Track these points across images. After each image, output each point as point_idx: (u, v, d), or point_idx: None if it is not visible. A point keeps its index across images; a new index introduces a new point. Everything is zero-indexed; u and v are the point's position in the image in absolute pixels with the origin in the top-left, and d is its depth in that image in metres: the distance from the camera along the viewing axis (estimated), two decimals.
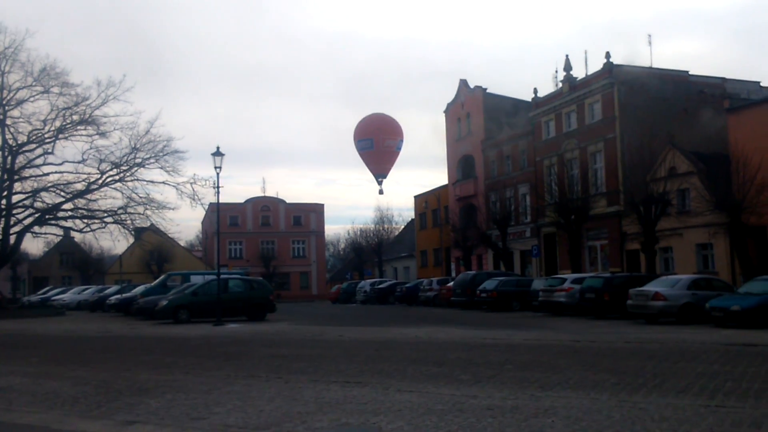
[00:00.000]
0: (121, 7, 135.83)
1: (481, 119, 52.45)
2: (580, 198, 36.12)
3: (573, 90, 41.67)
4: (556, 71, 44.68)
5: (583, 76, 41.58)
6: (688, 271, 30.11)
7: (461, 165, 55.51)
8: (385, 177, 55.16)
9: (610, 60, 38.80)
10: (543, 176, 43.27)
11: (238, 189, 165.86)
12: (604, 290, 25.43)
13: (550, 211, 37.74)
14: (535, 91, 46.11)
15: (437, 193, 60.26)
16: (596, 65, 42.35)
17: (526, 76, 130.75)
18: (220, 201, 30.16)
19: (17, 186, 39.90)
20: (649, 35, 44.56)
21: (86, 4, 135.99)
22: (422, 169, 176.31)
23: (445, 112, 58.31)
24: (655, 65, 40.49)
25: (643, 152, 32.55)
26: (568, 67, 42.40)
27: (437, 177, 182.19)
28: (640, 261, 34.00)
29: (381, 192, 56.66)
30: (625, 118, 37.37)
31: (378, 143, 52.89)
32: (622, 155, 37.16)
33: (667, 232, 31.99)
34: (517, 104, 50.53)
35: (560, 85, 43.44)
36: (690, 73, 40.23)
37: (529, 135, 46.20)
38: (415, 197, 66.90)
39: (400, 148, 54.74)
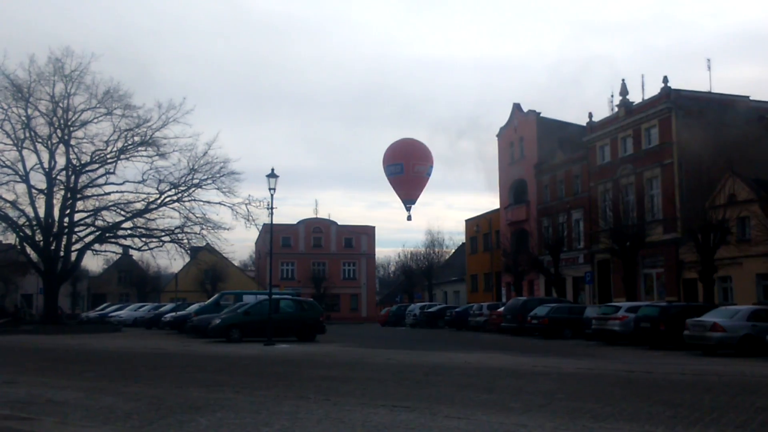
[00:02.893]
0: (181, 33, 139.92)
1: (535, 143, 52.09)
2: (636, 224, 35.42)
3: (629, 114, 41.07)
4: (612, 95, 44.25)
5: (640, 100, 40.98)
6: (747, 302, 29.13)
7: (513, 189, 55.10)
8: (413, 203, 54.83)
9: (668, 84, 38.18)
10: (597, 202, 42.61)
11: (291, 210, 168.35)
12: (660, 319, 24.78)
13: (604, 238, 37.08)
14: (590, 115, 45.64)
15: (488, 218, 59.89)
16: (653, 90, 41.78)
17: (581, 100, 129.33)
18: (274, 222, 30.58)
19: (79, 204, 41.24)
20: (708, 60, 43.58)
21: (147, 30, 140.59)
22: (473, 194, 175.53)
23: (497, 136, 58.12)
24: (715, 90, 39.71)
25: (701, 178, 31.84)
26: (624, 91, 41.85)
27: (489, 201, 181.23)
28: (697, 290, 33.08)
29: (409, 218, 56.13)
30: (683, 143, 36.60)
31: (408, 168, 52.68)
32: (679, 181, 36.38)
33: (726, 260, 31.08)
34: (571, 129, 50.03)
35: (616, 109, 42.88)
36: (751, 98, 39.26)
37: (584, 160, 45.63)
38: (466, 221, 66.63)
39: (429, 174, 54.37)
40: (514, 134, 55.43)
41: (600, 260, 42.45)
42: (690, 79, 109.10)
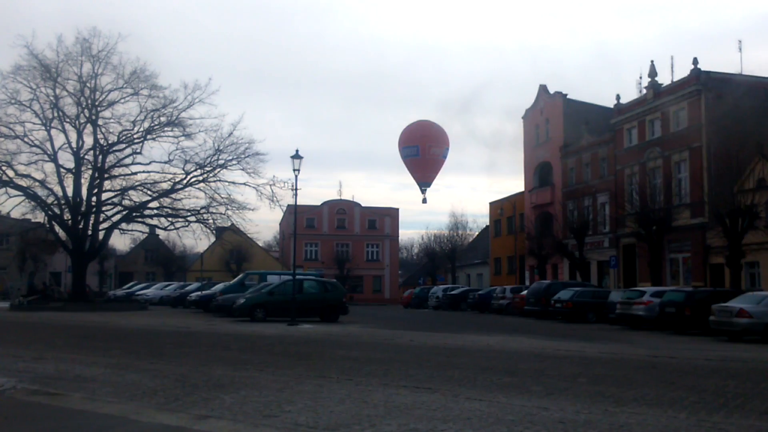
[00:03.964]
0: (205, 14, 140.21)
1: (561, 126, 51.58)
2: (663, 208, 35.00)
3: (657, 97, 40.46)
4: (640, 77, 43.63)
5: (669, 82, 40.33)
6: None
7: (538, 172, 54.72)
8: (429, 185, 54.68)
9: (698, 66, 37.50)
10: (624, 185, 42.17)
11: (315, 191, 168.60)
12: (685, 305, 24.56)
13: (631, 222, 36.70)
14: (618, 97, 45.05)
15: (513, 200, 59.58)
16: (683, 72, 41.12)
17: (608, 82, 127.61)
18: (298, 203, 30.70)
19: (107, 184, 41.68)
20: (740, 41, 42.69)
21: (173, 10, 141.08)
22: (497, 176, 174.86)
23: (523, 118, 57.63)
24: (746, 72, 38.95)
25: (730, 162, 31.32)
26: (653, 73, 41.19)
27: (513, 184, 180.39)
28: (724, 276, 32.68)
29: (424, 201, 55.83)
30: (712, 126, 36.01)
31: (424, 151, 52.41)
32: (708, 165, 35.84)
33: (754, 246, 30.64)
34: (598, 111, 49.44)
35: (644, 91, 42.25)
36: None
37: (610, 142, 45.13)
38: (490, 204, 66.34)
39: (445, 157, 54.08)
40: (539, 116, 54.93)
41: (625, 244, 42.08)
42: (720, 61, 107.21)
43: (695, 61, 37.58)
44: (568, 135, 50.65)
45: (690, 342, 20.83)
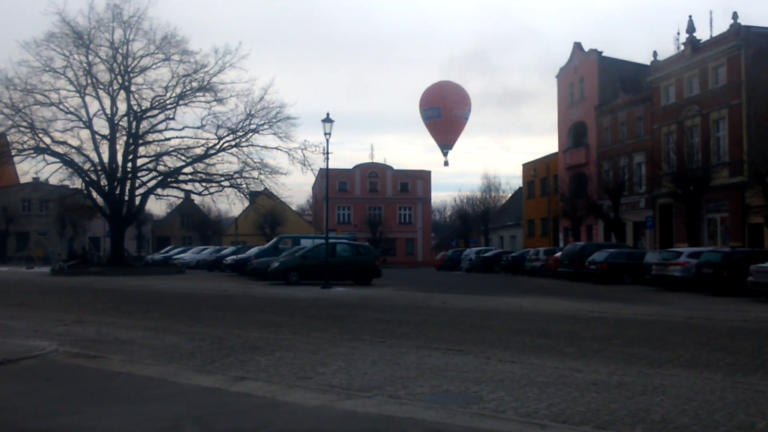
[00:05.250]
0: None
1: (596, 84, 50.51)
2: (700, 168, 34.28)
3: (696, 53, 39.32)
4: (678, 33, 42.56)
5: (708, 38, 39.16)
6: None
7: (572, 132, 53.85)
8: (450, 148, 54.07)
9: (738, 21, 36.31)
10: (661, 144, 41.30)
11: (347, 155, 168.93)
12: (722, 265, 24.14)
13: (667, 182, 36.03)
14: (655, 54, 43.91)
15: (546, 161, 58.88)
16: (722, 27, 39.88)
17: (644, 39, 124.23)
18: (330, 166, 30.75)
19: (141, 150, 42.28)
20: None
21: None
22: (531, 137, 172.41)
23: (557, 77, 56.56)
24: None
25: None
26: (690, 28, 39.95)
27: (547, 144, 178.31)
28: (763, 236, 32.06)
29: (446, 164, 55.54)
30: (752, 83, 34.94)
31: (445, 112, 51.51)
32: (747, 123, 34.89)
33: None
34: (634, 69, 48.28)
35: (682, 47, 41.11)
36: None
37: (647, 101, 44.14)
38: (524, 165, 65.67)
39: (467, 118, 53.27)
40: (574, 75, 53.81)
41: (662, 204, 41.41)
42: (762, 15, 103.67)
43: (735, 16, 36.36)
44: (603, 94, 49.63)
45: (727, 303, 20.54)
